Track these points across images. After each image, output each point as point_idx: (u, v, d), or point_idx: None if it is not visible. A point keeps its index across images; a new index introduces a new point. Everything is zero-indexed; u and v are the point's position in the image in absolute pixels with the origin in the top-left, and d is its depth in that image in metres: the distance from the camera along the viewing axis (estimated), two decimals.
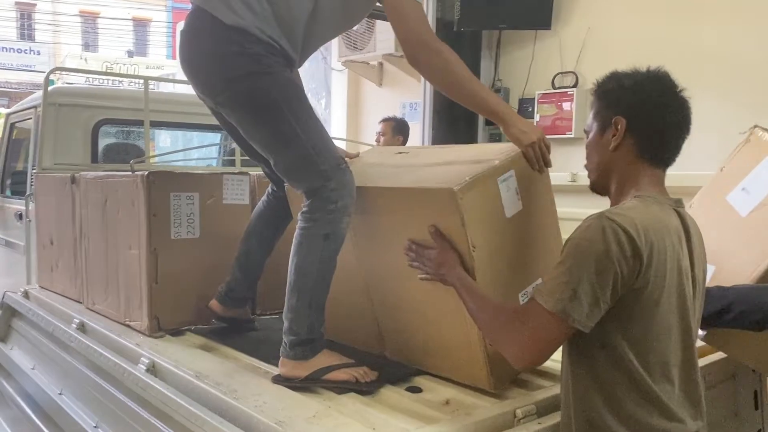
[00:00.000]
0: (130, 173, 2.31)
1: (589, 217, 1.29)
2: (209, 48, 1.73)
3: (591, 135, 1.47)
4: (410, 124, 5.50)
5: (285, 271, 1.81)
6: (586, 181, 2.72)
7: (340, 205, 1.71)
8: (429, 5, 4.70)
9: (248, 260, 2.17)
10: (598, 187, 1.49)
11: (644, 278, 1.26)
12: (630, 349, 1.29)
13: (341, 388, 1.69)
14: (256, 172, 2.55)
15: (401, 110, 5.63)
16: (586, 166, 1.50)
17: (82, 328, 2.42)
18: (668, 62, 3.98)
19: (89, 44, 22.67)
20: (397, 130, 4.35)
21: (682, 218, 1.41)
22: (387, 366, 1.84)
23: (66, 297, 2.84)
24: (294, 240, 1.76)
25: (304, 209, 1.74)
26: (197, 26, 1.77)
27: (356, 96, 6.08)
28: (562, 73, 4.54)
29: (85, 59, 20.66)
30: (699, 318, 1.47)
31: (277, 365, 1.78)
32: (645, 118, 1.39)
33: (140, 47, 22.56)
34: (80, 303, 2.70)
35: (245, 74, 1.69)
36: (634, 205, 1.34)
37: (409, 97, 5.56)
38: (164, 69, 20.16)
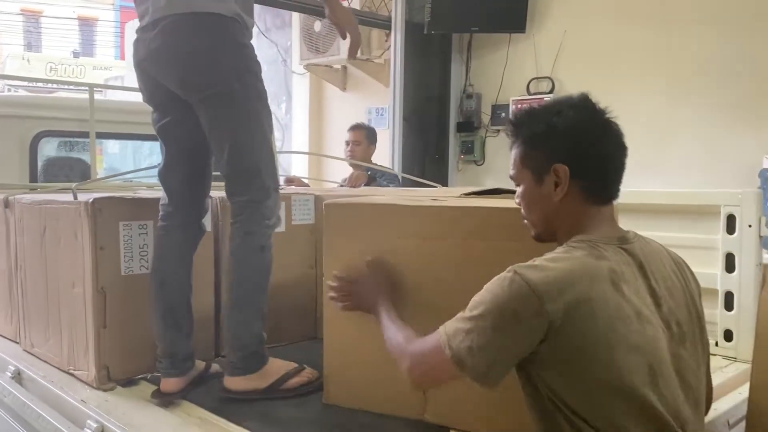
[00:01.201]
0: (68, 197, 2.00)
1: (509, 269, 1.18)
2: (204, 41, 1.70)
3: (525, 186, 1.32)
4: (377, 130, 5.28)
5: None
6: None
7: (273, 221, 1.82)
8: (397, 7, 4.47)
9: (177, 313, 1.85)
10: (545, 238, 1.34)
11: (561, 337, 1.12)
12: (576, 408, 1.14)
13: (303, 392, 1.80)
14: (219, 193, 2.27)
15: (367, 116, 5.38)
16: (525, 218, 1.35)
17: (18, 377, 2.10)
18: (648, 68, 3.86)
19: (32, 44, 21.71)
20: (372, 138, 4.06)
21: (632, 254, 1.25)
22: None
23: (1, 336, 2.50)
24: (231, 255, 1.80)
25: (237, 224, 1.78)
26: (187, 16, 1.70)
27: (319, 101, 5.80)
28: (537, 78, 4.36)
29: (28, 60, 19.71)
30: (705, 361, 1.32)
31: (245, 418, 1.65)
32: (588, 160, 1.27)
33: (87, 47, 21.69)
34: (16, 343, 2.37)
35: (243, 71, 1.73)
36: (556, 255, 1.21)
37: (375, 102, 5.32)
38: (112, 70, 19.41)
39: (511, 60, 4.43)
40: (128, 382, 1.95)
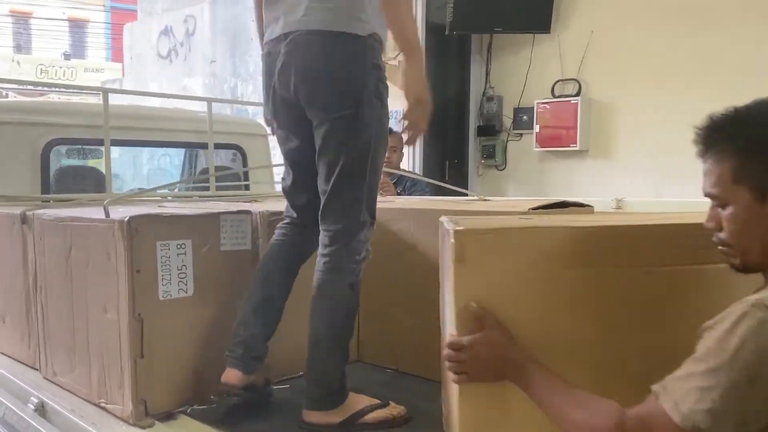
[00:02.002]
0: (96, 213, 1.83)
1: (735, 305, 0.96)
2: (342, 61, 1.63)
3: (737, 206, 1.07)
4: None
5: (293, 327, 1.82)
6: (632, 208, 2.38)
7: (364, 257, 1.73)
8: (417, 7, 4.31)
9: (270, 309, 1.84)
10: (753, 268, 1.10)
11: None
12: None
13: (384, 428, 1.70)
14: (262, 207, 2.11)
15: None
16: (727, 244, 1.10)
17: (41, 410, 1.92)
18: (679, 69, 3.71)
19: (21, 46, 21.39)
20: (402, 143, 3.89)
21: None
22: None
23: (15, 360, 2.32)
24: (316, 292, 1.70)
25: (326, 258, 1.70)
26: (328, 31, 1.63)
27: None
28: (562, 80, 4.21)
29: (18, 62, 19.43)
30: None
31: None
32: None
33: (77, 49, 21.39)
34: (35, 370, 2.19)
35: (374, 94, 1.65)
36: None
37: (390, 105, 5.14)
38: (104, 72, 19.16)
39: (534, 61, 4.28)
40: (167, 417, 1.79)
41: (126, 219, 1.70)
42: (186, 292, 1.81)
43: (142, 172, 7.50)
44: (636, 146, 3.93)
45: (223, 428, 1.71)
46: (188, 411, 1.81)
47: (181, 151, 4.44)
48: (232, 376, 1.76)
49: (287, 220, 1.90)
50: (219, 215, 1.90)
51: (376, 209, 1.77)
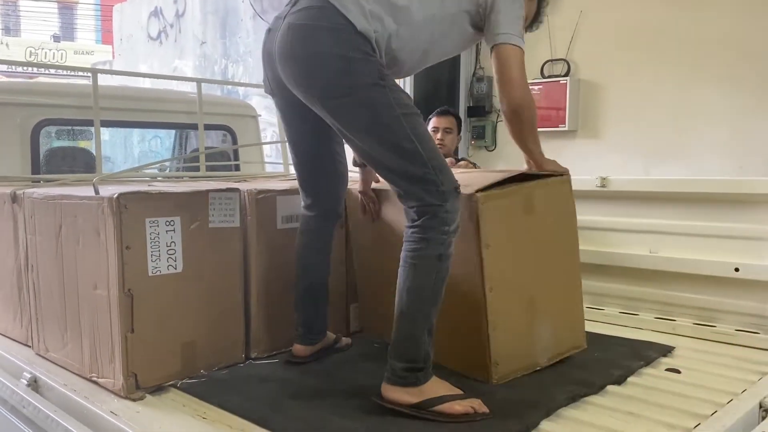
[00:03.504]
0: (86, 191, 1.85)
1: None
2: (333, 49, 1.64)
3: None
4: None
5: (280, 302, 2.06)
6: (617, 186, 2.43)
7: (453, 228, 1.68)
8: None
9: (315, 293, 2.04)
10: None
11: None
12: None
13: (456, 421, 1.58)
14: (248, 185, 2.14)
15: None
16: None
17: (34, 385, 1.95)
18: (669, 49, 3.73)
19: (10, 28, 21.16)
20: (460, 127, 3.74)
21: None
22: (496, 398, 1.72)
23: (7, 337, 2.35)
24: (403, 262, 1.68)
25: (413, 229, 1.67)
26: (322, 23, 1.65)
27: None
28: (552, 60, 4.22)
29: (7, 44, 19.24)
30: None
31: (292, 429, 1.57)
32: None
33: (67, 31, 21.19)
34: (28, 347, 2.22)
35: (371, 84, 1.64)
36: None
37: None
38: (94, 54, 19.00)
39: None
40: (157, 390, 1.82)
41: (115, 196, 1.72)
42: (175, 269, 1.84)
43: (133, 155, 7.50)
44: (624, 126, 3.95)
45: (212, 401, 1.74)
46: (178, 384, 1.85)
47: (172, 132, 4.45)
48: (299, 350, 2.03)
49: (303, 205, 2.02)
50: (208, 193, 1.92)
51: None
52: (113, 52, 13.92)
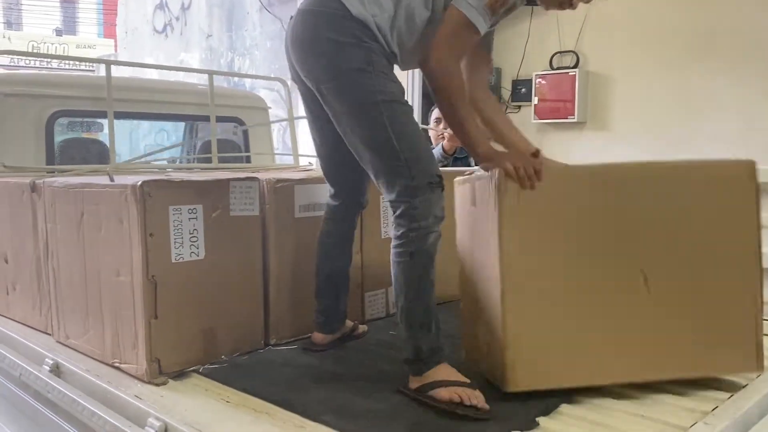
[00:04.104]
0: (104, 179, 1.88)
1: None
2: (326, 34, 1.69)
3: None
4: None
5: (299, 289, 2.12)
6: None
7: (423, 224, 1.64)
8: None
9: (335, 281, 2.06)
10: None
11: None
12: None
13: (441, 408, 1.56)
14: (268, 175, 2.16)
15: None
16: None
17: (56, 371, 1.98)
18: (678, 38, 3.73)
19: (11, 22, 21.13)
20: None
21: None
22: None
23: (27, 326, 2.38)
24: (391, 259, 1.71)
25: (393, 225, 1.69)
26: (321, 8, 1.72)
27: None
28: (561, 52, 4.24)
29: (9, 38, 19.23)
30: None
31: (320, 412, 1.57)
32: None
33: (69, 25, 21.17)
34: (47, 335, 2.25)
35: (356, 69, 1.66)
36: None
37: None
38: (96, 48, 18.98)
39: (533, 33, 4.29)
40: (179, 375, 1.85)
41: (139, 183, 1.74)
42: (197, 255, 1.87)
43: (139, 148, 7.51)
44: (634, 118, 3.97)
45: (235, 385, 1.76)
46: (200, 370, 1.87)
47: (179, 126, 4.46)
48: (318, 337, 2.06)
49: (329, 194, 2.04)
50: (229, 181, 1.94)
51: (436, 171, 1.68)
52: (116, 46, 13.91)
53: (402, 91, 1.73)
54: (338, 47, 1.67)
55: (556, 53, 4.28)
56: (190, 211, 1.85)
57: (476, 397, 1.55)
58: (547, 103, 4.16)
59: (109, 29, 18.72)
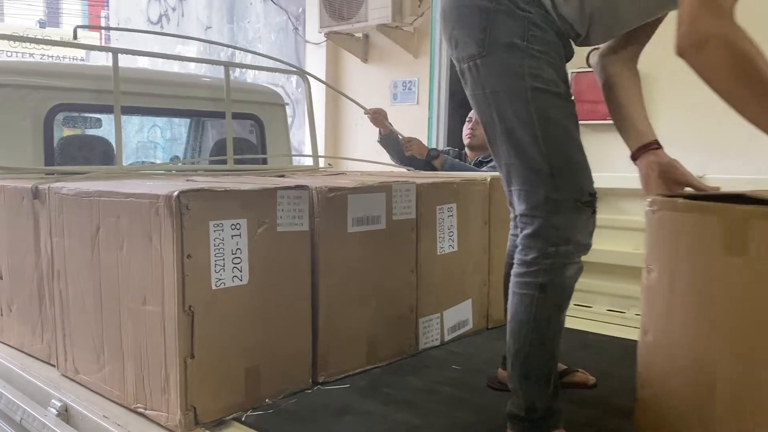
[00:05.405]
0: (128, 187, 1.57)
1: None
2: (474, 1, 1.35)
3: None
4: (403, 106, 4.84)
5: (351, 317, 1.79)
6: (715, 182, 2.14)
7: (562, 250, 1.32)
8: None
9: None
10: None
11: None
12: None
13: None
14: (319, 181, 1.85)
15: (392, 90, 4.93)
16: None
17: (65, 415, 1.65)
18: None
19: None
20: None
21: None
22: None
23: (25, 353, 2.05)
24: (510, 287, 1.40)
25: (519, 247, 1.37)
26: None
27: (336, 73, 5.32)
28: (597, 48, 3.96)
29: None
30: None
31: None
32: None
33: (53, 17, 20.57)
34: (50, 365, 1.92)
35: (506, 43, 1.31)
36: None
37: (401, 74, 4.87)
38: (80, 41, 18.44)
39: None
40: (218, 424, 1.53)
41: (175, 194, 1.42)
42: (241, 280, 1.55)
43: (131, 145, 7.14)
44: (677, 120, 3.70)
45: None
46: (243, 418, 1.56)
47: (174, 122, 4.11)
48: (503, 374, 1.69)
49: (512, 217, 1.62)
50: (276, 190, 1.63)
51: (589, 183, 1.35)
52: (101, 39, 13.42)
53: (565, 79, 1.38)
54: (488, 16, 1.34)
55: (593, 49, 4.00)
56: (233, 227, 1.53)
57: None
58: (585, 104, 3.88)
59: (94, 21, 18.20)
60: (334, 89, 4.82)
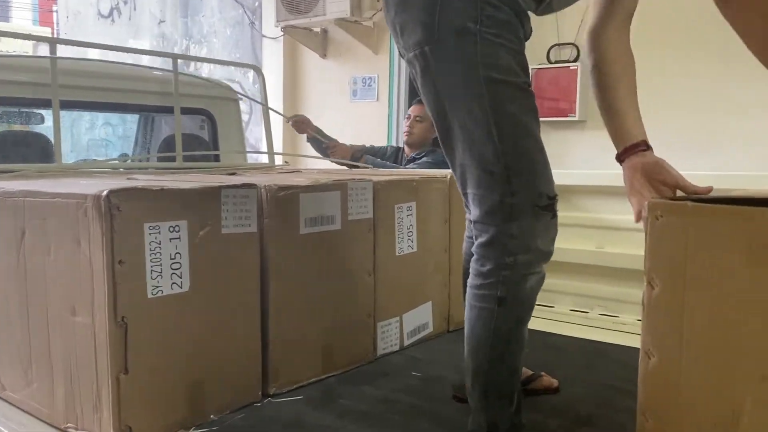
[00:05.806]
0: (57, 186, 1.43)
1: None
2: None
3: None
4: (362, 103, 4.74)
5: (303, 324, 1.69)
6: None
7: (521, 260, 1.20)
8: None
9: None
10: None
11: None
12: None
13: None
14: (267, 178, 1.74)
15: (351, 86, 4.82)
16: None
17: None
18: (685, 31, 3.42)
19: None
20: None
21: None
22: None
23: None
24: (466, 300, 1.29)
25: (474, 255, 1.25)
26: None
27: (294, 69, 5.17)
28: (559, 44, 3.90)
29: None
30: None
31: None
32: None
33: (2, 11, 19.91)
34: None
35: (458, 28, 1.18)
36: None
37: (361, 70, 4.75)
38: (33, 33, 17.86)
39: None
40: None
41: (104, 193, 1.29)
42: (180, 287, 1.43)
43: (81, 143, 6.87)
44: (642, 116, 3.68)
45: None
46: None
47: (126, 119, 3.93)
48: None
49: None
50: (220, 189, 1.50)
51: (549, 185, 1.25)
52: (53, 33, 12.98)
53: (524, 65, 1.25)
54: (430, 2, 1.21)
55: (553, 45, 3.94)
56: (172, 230, 1.40)
57: None
58: (545, 100, 3.83)
59: (45, 16, 17.63)
60: (250, 97, 4.69)
